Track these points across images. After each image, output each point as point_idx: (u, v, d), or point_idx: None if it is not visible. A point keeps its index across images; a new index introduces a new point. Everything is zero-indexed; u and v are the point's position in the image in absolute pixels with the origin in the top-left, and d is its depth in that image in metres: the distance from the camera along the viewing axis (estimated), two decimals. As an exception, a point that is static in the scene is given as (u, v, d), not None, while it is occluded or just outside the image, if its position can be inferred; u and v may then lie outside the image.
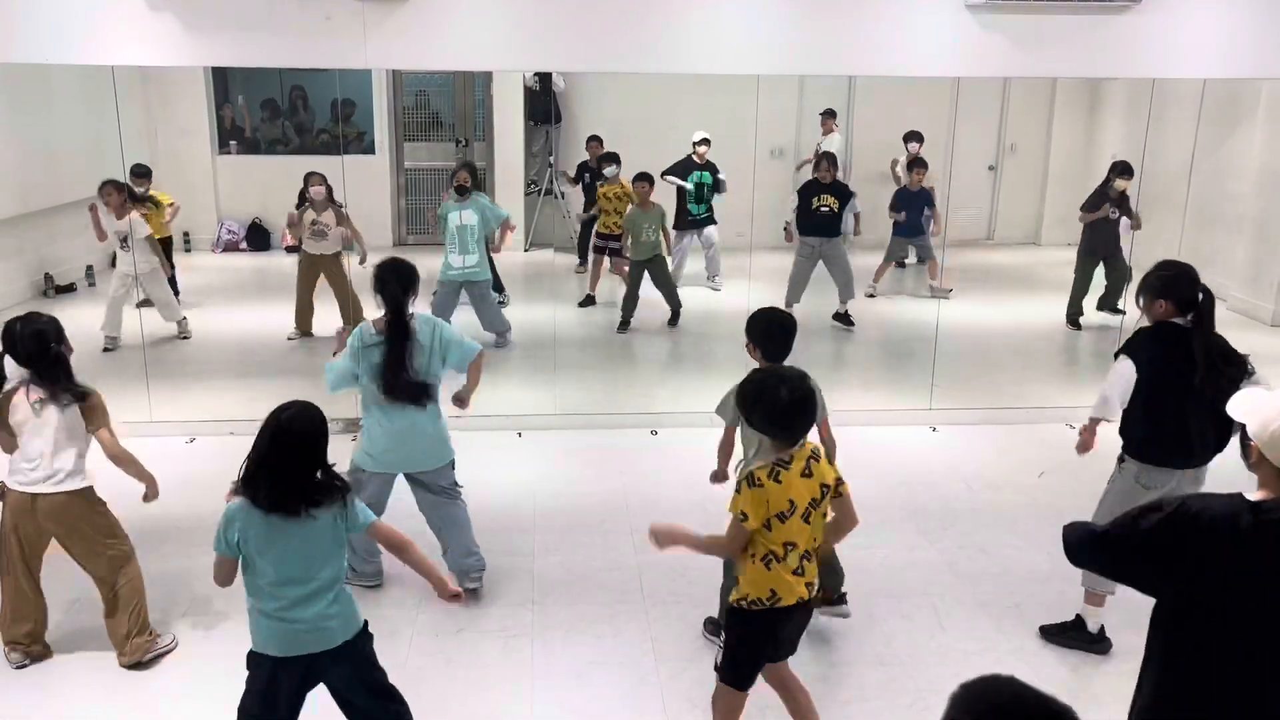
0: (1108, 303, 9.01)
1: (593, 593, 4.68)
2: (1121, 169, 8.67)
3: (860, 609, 4.57)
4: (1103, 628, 4.29)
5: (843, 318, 8.90)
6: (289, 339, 8.33)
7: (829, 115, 10.71)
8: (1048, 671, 4.08)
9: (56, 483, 3.89)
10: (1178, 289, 3.94)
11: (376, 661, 3.26)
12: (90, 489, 4.00)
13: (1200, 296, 3.91)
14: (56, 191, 8.89)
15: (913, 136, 10.25)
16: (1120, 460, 4.14)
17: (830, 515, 3.30)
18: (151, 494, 4.09)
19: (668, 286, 8.84)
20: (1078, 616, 4.32)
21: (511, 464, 6.15)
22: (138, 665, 4.06)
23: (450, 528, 4.58)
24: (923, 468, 6.11)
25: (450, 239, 7.94)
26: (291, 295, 8.34)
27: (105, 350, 7.80)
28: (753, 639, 3.32)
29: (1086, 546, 2.65)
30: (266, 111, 11.78)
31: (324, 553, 3.09)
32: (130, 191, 7.92)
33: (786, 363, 3.86)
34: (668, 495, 5.67)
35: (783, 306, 8.64)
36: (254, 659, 3.15)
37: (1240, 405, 2.45)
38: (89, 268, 9.53)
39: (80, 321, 8.55)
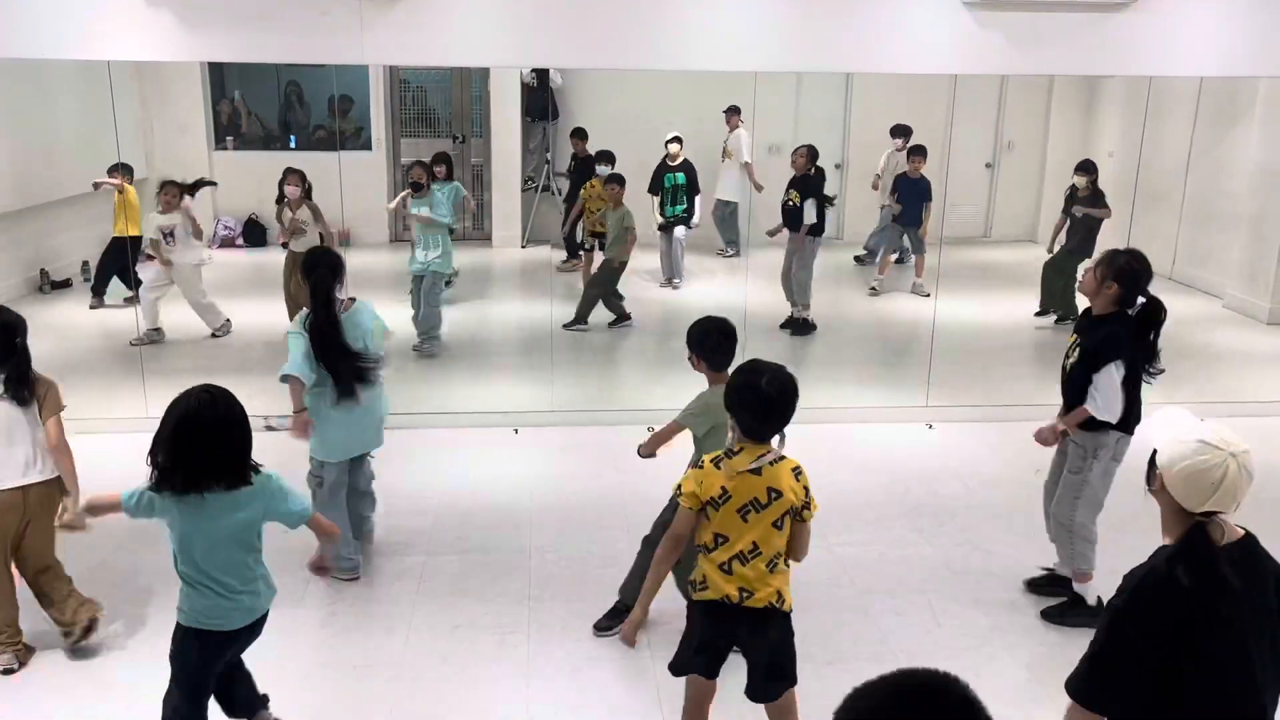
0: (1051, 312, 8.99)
1: (589, 589, 4.68)
2: (1077, 166, 8.80)
3: (856, 605, 4.58)
4: (1100, 599, 4.38)
5: (793, 323, 8.57)
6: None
7: (733, 111, 10.63)
8: (1043, 667, 4.09)
9: (40, 471, 3.92)
10: (1138, 284, 4.23)
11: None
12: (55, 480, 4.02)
13: (1147, 299, 4.26)
14: (52, 187, 8.88)
15: (899, 131, 10.24)
16: (1099, 446, 4.36)
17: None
18: (71, 514, 3.87)
19: (614, 295, 8.80)
20: (1074, 594, 4.46)
21: (508, 461, 6.15)
22: (90, 630, 4.10)
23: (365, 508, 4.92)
24: (918, 465, 6.11)
25: (416, 233, 8.22)
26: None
27: (151, 343, 7.94)
28: (690, 621, 3.32)
29: (1087, 687, 2.45)
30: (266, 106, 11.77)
31: (237, 543, 3.18)
32: (187, 187, 8.10)
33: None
34: (664, 492, 5.65)
35: (788, 305, 8.69)
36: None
37: (1158, 428, 2.45)
38: (85, 263, 9.51)
39: (76, 317, 8.59)
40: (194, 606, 3.20)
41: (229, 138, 11.16)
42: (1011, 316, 9.35)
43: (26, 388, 3.90)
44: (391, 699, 3.89)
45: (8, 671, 3.98)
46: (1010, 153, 11.81)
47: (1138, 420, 4.34)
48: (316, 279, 4.44)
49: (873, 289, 9.75)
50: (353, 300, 4.67)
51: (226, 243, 10.87)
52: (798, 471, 3.15)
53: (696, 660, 3.30)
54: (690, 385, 4.34)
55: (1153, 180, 8.73)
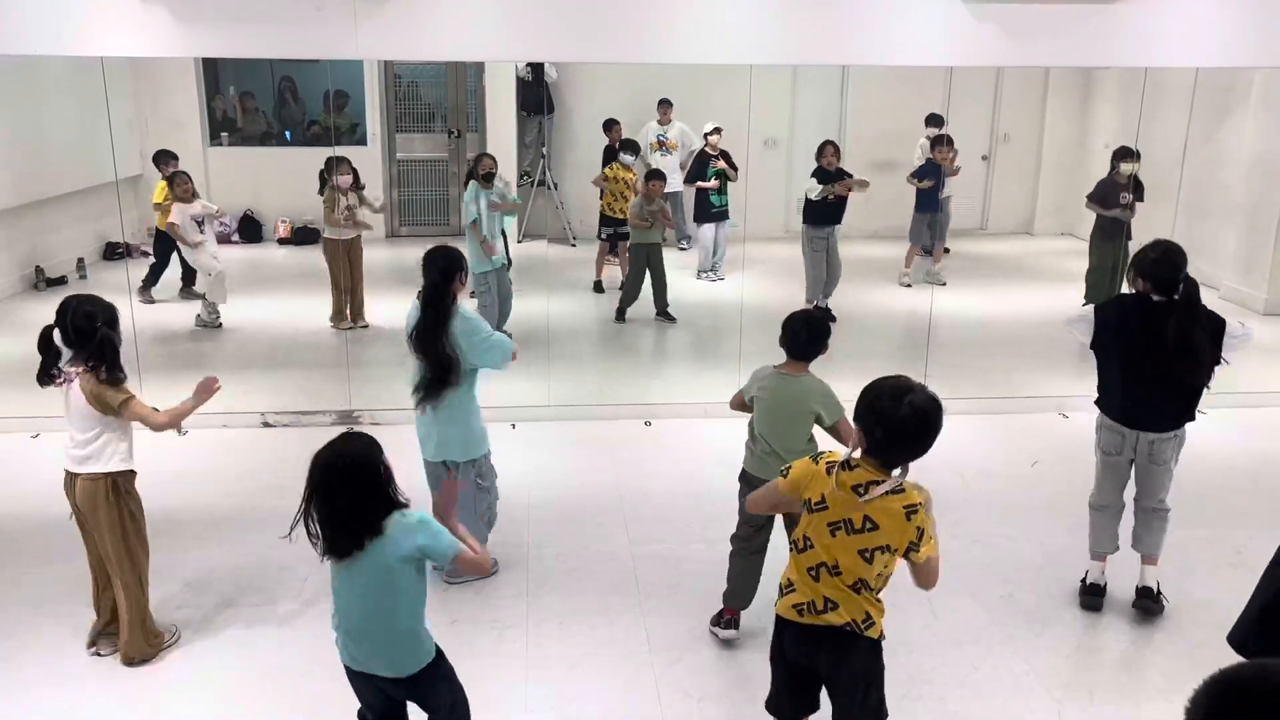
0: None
1: (587, 584, 4.68)
2: (1123, 154, 8.62)
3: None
4: (1097, 586, 4.46)
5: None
6: (337, 328, 8.34)
7: (665, 105, 10.73)
8: (1039, 661, 4.10)
9: (78, 462, 3.91)
10: (1157, 271, 4.19)
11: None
12: (109, 478, 3.93)
13: (1182, 283, 4.15)
14: (47, 184, 8.86)
15: (933, 120, 10.26)
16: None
17: (891, 567, 2.91)
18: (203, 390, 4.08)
19: (660, 280, 8.82)
20: (1086, 572, 4.55)
21: (506, 455, 6.10)
22: (136, 661, 4.06)
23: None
24: (916, 458, 6.11)
25: (489, 228, 8.01)
26: (284, 288, 8.33)
27: (218, 326, 8.19)
28: (774, 643, 3.08)
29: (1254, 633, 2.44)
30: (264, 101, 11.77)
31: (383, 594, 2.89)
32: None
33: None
34: (662, 486, 5.68)
35: (806, 302, 8.70)
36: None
37: None
38: (80, 260, 9.50)
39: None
40: None
41: (224, 134, 11.14)
42: (1008, 308, 9.36)
43: (106, 372, 3.84)
44: (390, 694, 3.90)
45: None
46: (1006, 145, 11.81)
47: (1127, 418, 4.30)
48: (430, 282, 4.33)
49: (904, 283, 9.83)
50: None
51: (222, 239, 10.84)
52: (911, 510, 2.81)
53: (777, 696, 3.10)
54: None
55: (1149, 171, 8.73)
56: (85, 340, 3.82)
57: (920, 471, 2.90)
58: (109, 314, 3.89)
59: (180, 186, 8.08)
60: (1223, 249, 9.51)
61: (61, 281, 9.27)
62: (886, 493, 2.78)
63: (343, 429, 6.14)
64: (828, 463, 2.89)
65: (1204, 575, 4.78)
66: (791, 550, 2.99)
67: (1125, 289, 4.44)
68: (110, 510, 3.92)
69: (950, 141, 9.67)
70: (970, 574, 4.79)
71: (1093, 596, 4.48)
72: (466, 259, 4.49)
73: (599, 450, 6.22)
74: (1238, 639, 2.55)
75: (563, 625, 4.35)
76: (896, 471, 2.84)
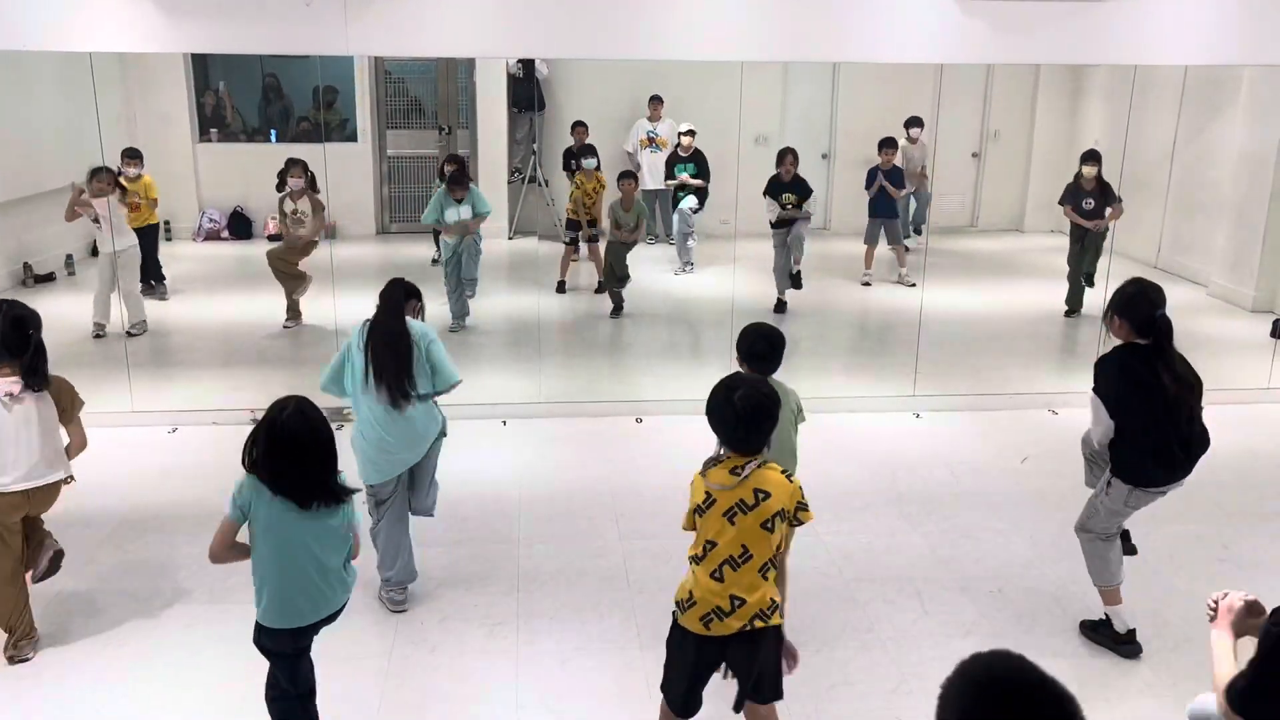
0: (1088, 278, 8.80)
1: (577, 580, 4.68)
2: (1085, 157, 8.61)
3: (844, 594, 4.60)
4: (1133, 631, 4.15)
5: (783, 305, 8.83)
6: (285, 327, 8.28)
7: (657, 101, 10.74)
8: (1030, 655, 4.10)
9: (43, 475, 3.89)
10: (1134, 308, 3.94)
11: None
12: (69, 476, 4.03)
13: (1157, 317, 3.89)
14: (35, 180, 8.81)
15: (913, 122, 10.31)
16: (1109, 481, 4.10)
17: (787, 539, 3.16)
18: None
19: (623, 270, 8.82)
20: (1106, 615, 4.23)
21: (496, 452, 6.14)
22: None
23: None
24: (906, 453, 6.13)
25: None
26: (273, 284, 8.29)
27: (96, 337, 7.76)
28: (676, 646, 3.22)
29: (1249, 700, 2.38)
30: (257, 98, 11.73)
31: (326, 544, 3.21)
32: (115, 178, 7.89)
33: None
34: (652, 483, 5.68)
35: (777, 294, 8.72)
36: (263, 633, 3.26)
37: None
38: (69, 257, 9.45)
39: (61, 311, 8.52)
40: None
41: (213, 130, 11.09)
42: (999, 305, 9.39)
43: (43, 380, 3.87)
44: (380, 690, 3.89)
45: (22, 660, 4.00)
46: (996, 142, 11.85)
47: (1168, 476, 4.01)
48: (387, 292, 4.32)
49: (865, 282, 9.83)
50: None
51: (212, 235, 10.82)
52: (786, 474, 3.10)
53: (673, 693, 3.25)
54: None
55: (1137, 169, 8.76)
56: (20, 348, 3.81)
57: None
58: (37, 320, 3.90)
59: (100, 181, 7.65)
60: (1211, 246, 9.55)
61: (50, 278, 9.22)
62: (757, 466, 3.05)
63: (333, 426, 6.15)
64: (703, 466, 3.13)
65: (1191, 572, 4.80)
66: (691, 565, 3.14)
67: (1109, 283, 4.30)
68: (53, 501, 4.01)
69: (895, 143, 9.78)
70: (960, 569, 4.81)
71: (1131, 645, 4.13)
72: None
73: (590, 447, 6.21)
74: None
75: (553, 621, 4.35)
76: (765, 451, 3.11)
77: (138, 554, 4.79)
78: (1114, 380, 3.98)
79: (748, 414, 3.01)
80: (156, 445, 6.04)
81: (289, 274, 8.19)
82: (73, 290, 8.77)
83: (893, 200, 9.68)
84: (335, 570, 3.25)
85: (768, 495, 3.02)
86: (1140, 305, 3.93)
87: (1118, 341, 4.01)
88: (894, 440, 6.36)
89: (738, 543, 3.03)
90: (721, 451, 3.12)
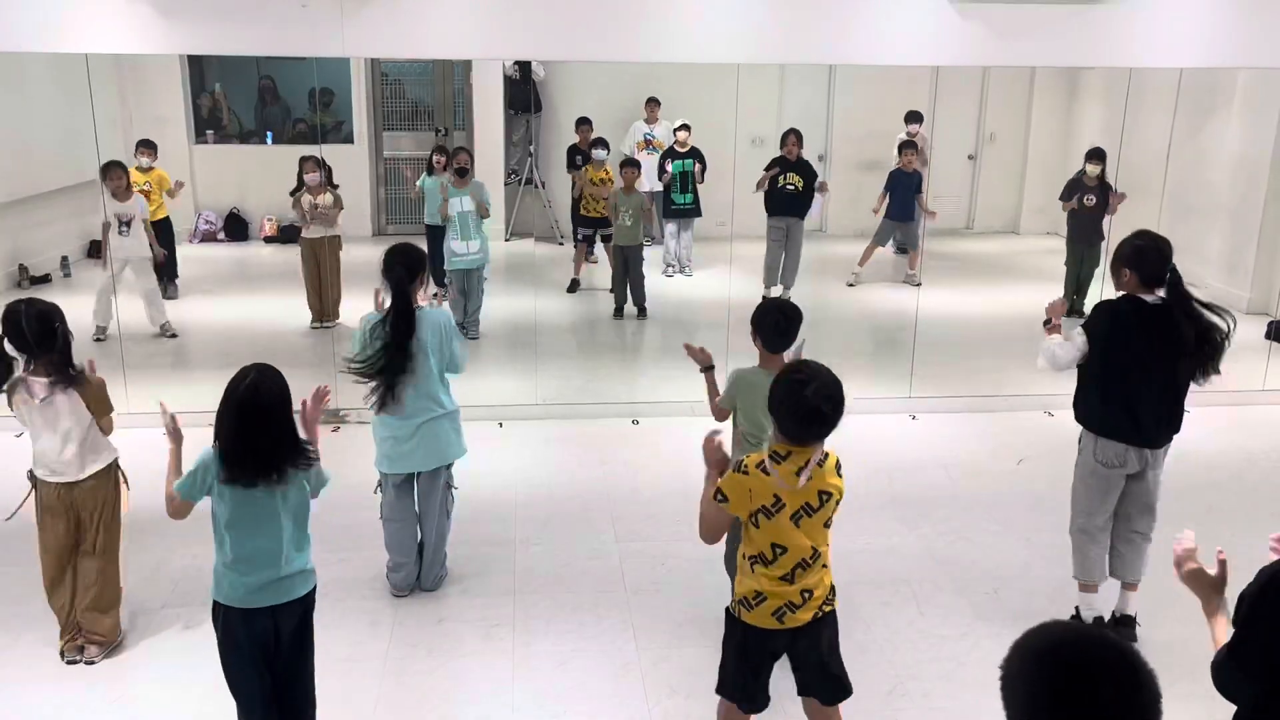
0: (1075, 306, 8.50)
1: (574, 582, 4.68)
2: (1090, 155, 8.67)
3: (840, 594, 4.58)
4: (1102, 618, 4.22)
5: None
6: (312, 327, 8.26)
7: (653, 103, 10.73)
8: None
9: (79, 468, 3.89)
10: (1144, 261, 3.94)
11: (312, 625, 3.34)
12: (115, 463, 4.03)
13: (1169, 274, 3.92)
14: (31, 181, 8.79)
15: (913, 118, 10.28)
16: (1079, 440, 4.20)
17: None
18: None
19: (638, 280, 8.83)
20: (1075, 609, 4.28)
21: (493, 454, 6.13)
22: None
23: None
24: (902, 455, 6.14)
25: (451, 226, 7.96)
26: (272, 286, 8.30)
27: (96, 340, 7.74)
28: (739, 646, 3.14)
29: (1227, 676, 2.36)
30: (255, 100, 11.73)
31: (288, 517, 3.20)
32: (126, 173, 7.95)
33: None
34: (649, 484, 5.68)
35: (767, 293, 8.74)
36: (217, 610, 3.26)
37: None
38: (64, 258, 9.43)
39: (56, 312, 8.51)
40: None
41: (209, 131, 11.08)
42: (994, 308, 9.39)
43: (71, 377, 3.85)
44: (376, 692, 3.89)
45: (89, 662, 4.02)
46: (992, 145, 11.85)
47: (1132, 431, 4.04)
48: (394, 280, 4.21)
49: (850, 283, 9.79)
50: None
51: (208, 237, 10.80)
52: (837, 464, 3.06)
53: (745, 691, 3.18)
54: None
55: (1133, 172, 8.78)
56: (48, 343, 3.79)
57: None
58: (60, 312, 3.88)
59: (114, 180, 7.70)
60: (1207, 248, 9.56)
61: (45, 280, 9.20)
62: (818, 464, 2.95)
63: (330, 427, 6.15)
64: (756, 465, 2.95)
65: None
66: (755, 564, 3.03)
67: (1104, 287, 4.27)
68: (116, 496, 3.96)
69: (916, 146, 9.71)
70: (956, 570, 4.82)
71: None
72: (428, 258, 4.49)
73: (586, 449, 6.22)
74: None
75: (550, 623, 4.35)
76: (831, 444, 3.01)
77: (136, 554, 4.78)
78: (1105, 324, 4.02)
79: (823, 409, 2.88)
80: (153, 447, 5.99)
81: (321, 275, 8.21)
82: (69, 292, 8.75)
83: (912, 203, 9.64)
84: (293, 539, 3.23)
85: (830, 495, 3.00)
86: (1150, 258, 3.93)
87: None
88: (890, 442, 6.37)
89: (809, 546, 2.99)
90: (774, 441, 2.98)
